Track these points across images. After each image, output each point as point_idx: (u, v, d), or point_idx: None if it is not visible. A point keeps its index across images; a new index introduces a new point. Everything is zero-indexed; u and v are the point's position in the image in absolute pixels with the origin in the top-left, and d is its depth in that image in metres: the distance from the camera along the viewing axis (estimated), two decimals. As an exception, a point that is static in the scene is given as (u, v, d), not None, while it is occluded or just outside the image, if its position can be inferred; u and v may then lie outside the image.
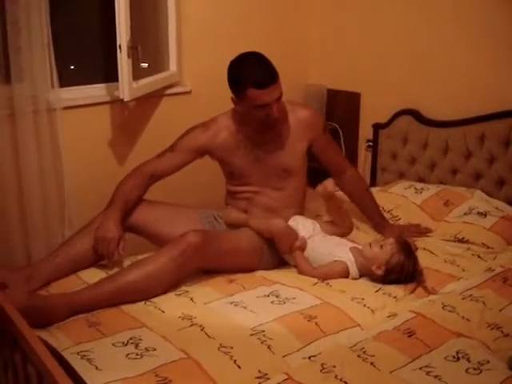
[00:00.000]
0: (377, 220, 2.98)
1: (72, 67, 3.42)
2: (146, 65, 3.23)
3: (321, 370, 1.87)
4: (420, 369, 1.89)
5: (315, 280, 2.50)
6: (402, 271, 2.46)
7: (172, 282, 2.39)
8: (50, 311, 2.13)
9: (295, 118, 2.75)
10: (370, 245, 2.54)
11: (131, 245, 2.69)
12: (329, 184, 2.62)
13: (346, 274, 2.53)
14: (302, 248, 2.61)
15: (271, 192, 2.77)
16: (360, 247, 2.60)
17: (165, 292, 2.36)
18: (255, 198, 2.78)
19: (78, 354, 1.90)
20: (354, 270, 2.53)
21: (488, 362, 1.92)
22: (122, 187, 2.69)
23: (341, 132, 3.94)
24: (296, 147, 2.75)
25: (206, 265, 2.50)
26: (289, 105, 2.75)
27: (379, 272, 2.47)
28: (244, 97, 2.57)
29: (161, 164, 2.75)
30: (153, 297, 2.32)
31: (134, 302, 2.28)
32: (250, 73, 2.55)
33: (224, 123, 2.76)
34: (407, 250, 2.51)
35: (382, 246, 2.51)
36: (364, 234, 2.96)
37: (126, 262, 2.57)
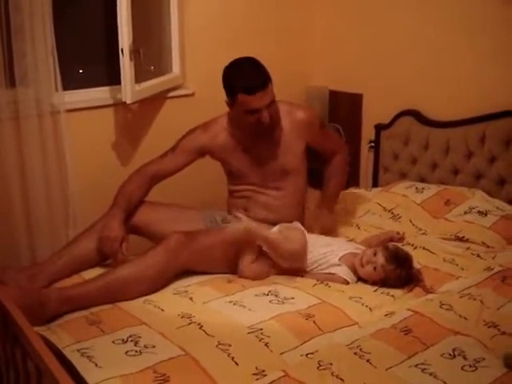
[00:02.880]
0: (323, 198, 3.04)
1: (75, 71, 3.45)
2: (153, 67, 3.28)
3: (317, 367, 1.89)
4: (416, 366, 1.91)
5: (314, 281, 2.52)
6: (399, 281, 2.48)
7: (160, 277, 2.43)
8: (42, 304, 2.16)
9: (292, 119, 2.78)
10: (362, 263, 2.52)
11: (135, 247, 2.72)
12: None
13: (345, 283, 2.53)
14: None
15: (270, 191, 2.81)
16: (354, 250, 2.61)
17: (155, 288, 2.41)
18: (254, 196, 2.82)
19: (78, 351, 1.94)
20: (351, 279, 2.54)
21: (484, 359, 1.94)
22: (125, 188, 2.73)
23: (343, 133, 3.95)
24: (293, 148, 2.78)
25: (193, 260, 2.52)
26: (285, 106, 2.78)
27: (376, 286, 2.50)
28: (235, 101, 2.61)
29: (163, 165, 2.80)
30: (145, 293, 2.37)
31: (126, 297, 2.33)
32: (241, 78, 2.59)
33: (223, 124, 2.81)
34: (400, 261, 2.50)
35: (375, 268, 2.48)
36: (364, 233, 2.99)
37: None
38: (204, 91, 3.65)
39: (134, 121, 3.46)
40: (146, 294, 2.37)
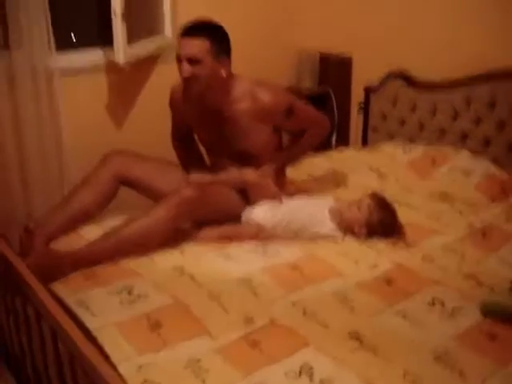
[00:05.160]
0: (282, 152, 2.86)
1: (69, 32, 3.47)
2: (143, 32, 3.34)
3: (303, 314, 1.99)
4: (397, 313, 2.01)
5: (303, 241, 2.56)
6: (383, 226, 2.56)
7: (167, 234, 2.45)
8: (58, 267, 2.21)
9: (253, 101, 2.62)
10: (349, 207, 2.60)
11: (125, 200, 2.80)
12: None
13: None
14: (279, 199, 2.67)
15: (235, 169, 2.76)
16: (339, 206, 2.66)
17: (161, 244, 2.43)
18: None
19: (75, 302, 2.01)
20: (339, 235, 2.60)
21: (462, 307, 2.04)
22: (181, 152, 2.98)
23: (333, 96, 4.02)
24: (255, 131, 2.67)
25: (198, 216, 2.56)
26: (249, 85, 2.65)
27: (362, 232, 2.57)
28: None
29: (176, 128, 2.96)
30: (150, 249, 2.40)
31: (132, 255, 2.35)
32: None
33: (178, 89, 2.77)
34: (384, 206, 2.59)
35: (359, 208, 2.58)
36: (352, 192, 3.04)
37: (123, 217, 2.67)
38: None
39: (126, 82, 3.51)
40: (151, 250, 2.40)
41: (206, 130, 2.78)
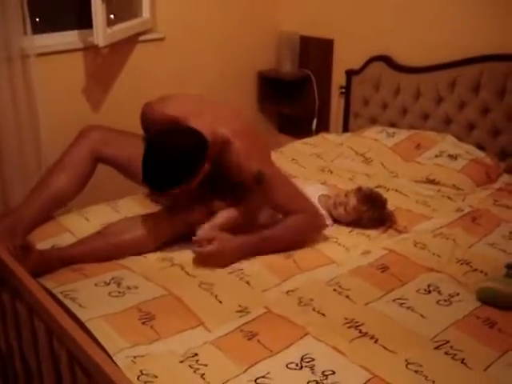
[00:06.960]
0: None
1: (45, 14, 3.37)
2: (113, 16, 3.22)
3: (298, 303, 1.95)
4: (393, 301, 1.98)
5: None
6: (373, 221, 2.52)
7: (164, 241, 2.36)
8: (47, 265, 2.13)
9: (231, 158, 2.29)
10: (335, 205, 2.53)
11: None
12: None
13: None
14: None
15: None
16: (327, 197, 2.62)
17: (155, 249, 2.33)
18: None
19: (61, 293, 1.94)
20: (329, 223, 2.55)
21: (458, 294, 2.02)
22: None
23: (314, 79, 3.97)
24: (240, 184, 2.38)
25: None
26: (232, 141, 2.29)
27: (350, 227, 2.52)
28: None
29: None
30: (144, 253, 2.30)
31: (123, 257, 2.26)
32: (143, 165, 2.16)
33: None
34: (372, 201, 2.52)
35: (345, 209, 2.51)
36: (336, 177, 3.04)
37: (106, 208, 2.61)
38: (175, 36, 3.62)
39: (104, 65, 3.42)
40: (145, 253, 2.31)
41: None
